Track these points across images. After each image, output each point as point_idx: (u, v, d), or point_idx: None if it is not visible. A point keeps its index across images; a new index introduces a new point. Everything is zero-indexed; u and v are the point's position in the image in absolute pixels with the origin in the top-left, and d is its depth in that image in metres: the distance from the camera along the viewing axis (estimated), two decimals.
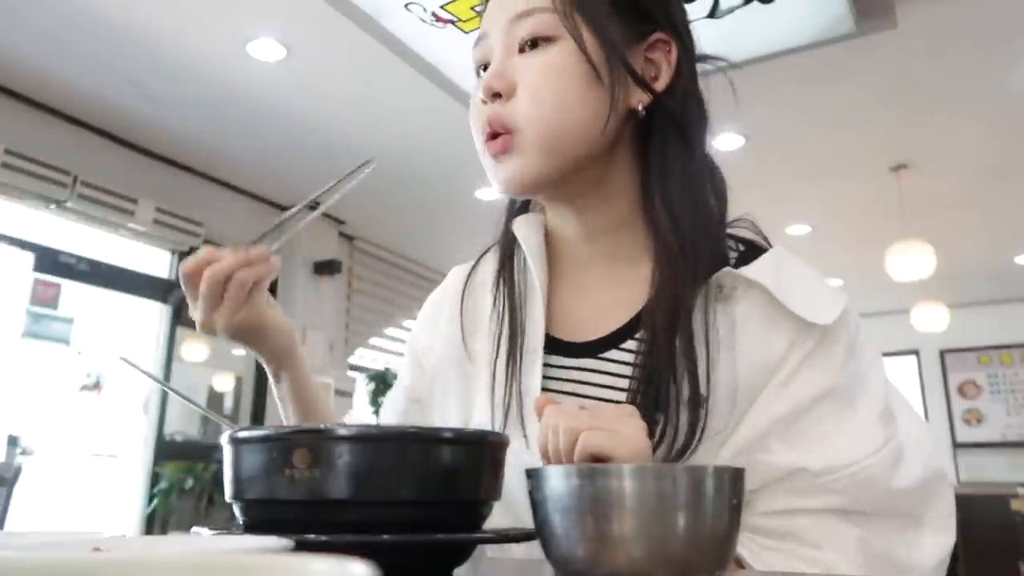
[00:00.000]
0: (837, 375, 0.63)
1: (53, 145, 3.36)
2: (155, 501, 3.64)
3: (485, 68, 0.72)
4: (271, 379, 0.79)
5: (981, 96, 3.29)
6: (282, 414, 0.81)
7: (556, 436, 0.54)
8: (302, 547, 0.38)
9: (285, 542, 0.38)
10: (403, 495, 0.47)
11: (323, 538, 0.44)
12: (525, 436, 0.68)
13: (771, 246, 0.72)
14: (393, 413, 0.86)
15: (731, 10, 2.40)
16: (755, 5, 2.38)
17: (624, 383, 0.67)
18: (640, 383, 0.65)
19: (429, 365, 0.83)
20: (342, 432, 0.47)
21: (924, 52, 2.94)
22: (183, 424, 3.95)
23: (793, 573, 0.59)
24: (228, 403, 4.16)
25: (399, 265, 5.40)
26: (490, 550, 0.70)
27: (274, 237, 0.70)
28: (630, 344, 0.69)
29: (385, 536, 0.44)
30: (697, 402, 0.62)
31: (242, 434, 0.49)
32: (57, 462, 3.50)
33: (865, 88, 3.20)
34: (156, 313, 3.98)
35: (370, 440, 0.47)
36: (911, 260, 4.06)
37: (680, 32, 0.72)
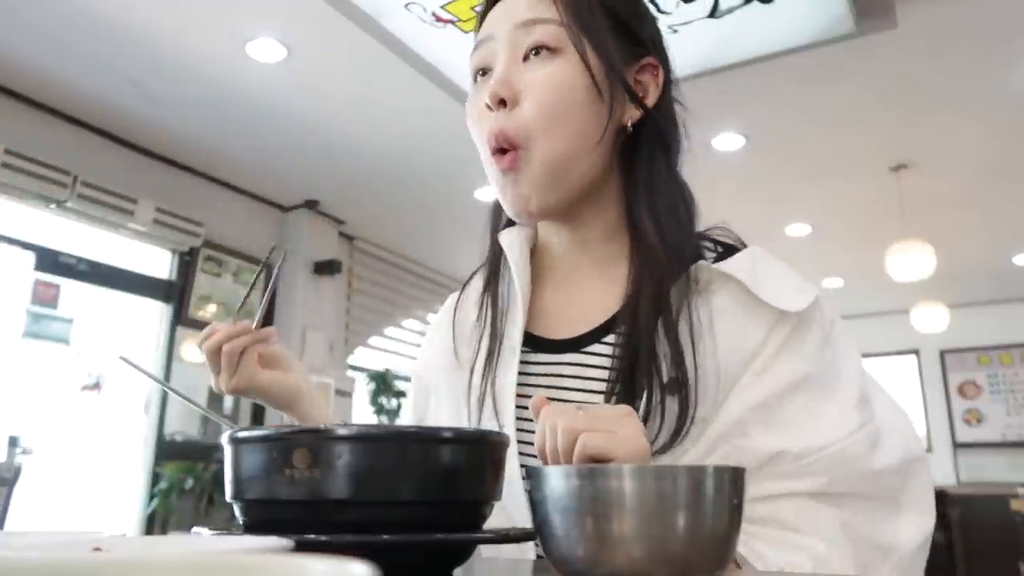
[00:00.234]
0: (812, 362, 0.66)
1: (53, 145, 3.36)
2: (155, 501, 3.64)
3: (482, 72, 0.74)
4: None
5: (981, 96, 3.29)
6: None
7: (555, 436, 0.54)
8: (302, 547, 0.38)
9: (285, 542, 0.38)
10: (403, 495, 0.47)
11: (323, 538, 0.44)
12: None
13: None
14: None
15: (731, 10, 2.40)
16: (755, 5, 2.38)
17: (605, 374, 0.70)
18: (618, 372, 0.68)
19: (428, 378, 0.87)
20: (342, 432, 0.47)
21: (924, 52, 2.94)
22: (183, 424, 3.95)
23: (793, 573, 0.59)
24: (228, 403, 4.16)
25: (399, 265, 5.40)
26: (484, 550, 0.70)
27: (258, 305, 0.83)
28: (611, 338, 0.71)
29: (385, 536, 0.44)
30: (678, 387, 0.65)
31: (242, 434, 0.49)
32: (57, 462, 3.50)
33: (865, 88, 3.20)
34: (156, 313, 3.98)
35: (370, 440, 0.47)
36: (911, 260, 4.06)
37: (664, 58, 0.78)
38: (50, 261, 3.48)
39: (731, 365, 0.66)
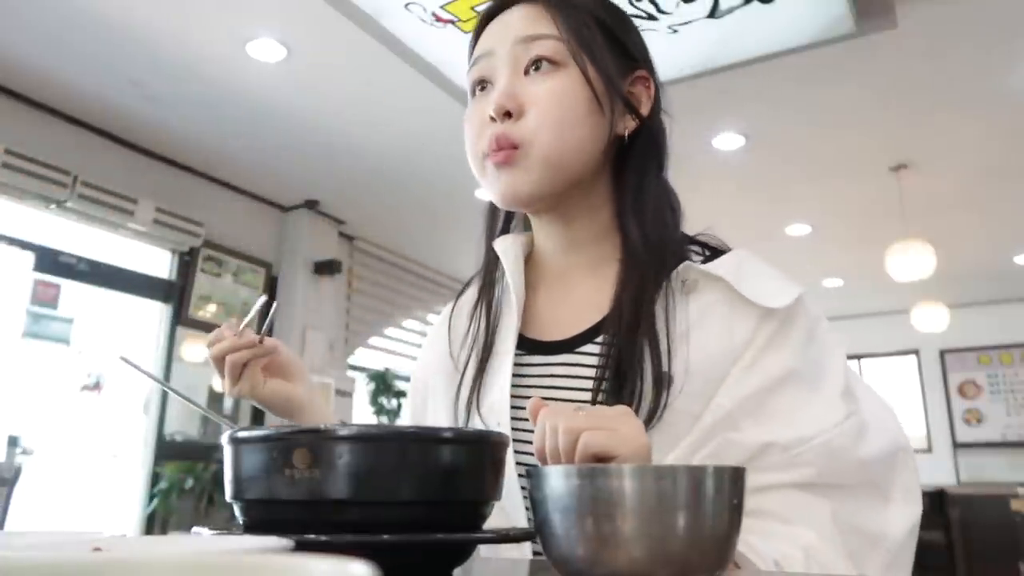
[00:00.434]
0: (798, 357, 0.68)
1: (53, 145, 3.36)
2: (155, 501, 3.64)
3: (481, 87, 0.77)
4: None
5: (981, 96, 3.29)
6: None
7: (555, 436, 0.54)
8: (302, 547, 0.38)
9: (285, 542, 0.38)
10: (403, 495, 0.47)
11: (323, 538, 0.44)
12: None
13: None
14: None
15: (731, 10, 2.40)
16: (755, 5, 2.38)
17: (594, 372, 0.71)
18: (607, 370, 0.70)
19: (426, 380, 0.89)
20: (342, 432, 0.47)
21: (924, 52, 2.94)
22: (183, 424, 3.95)
23: (792, 573, 0.59)
24: (228, 403, 4.16)
25: (399, 265, 5.40)
26: (482, 549, 0.70)
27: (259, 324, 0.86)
28: (602, 338, 0.73)
29: (385, 536, 0.44)
30: (664, 384, 0.67)
31: (242, 434, 0.49)
32: (57, 462, 3.50)
33: (865, 88, 3.20)
34: (156, 313, 3.98)
35: (370, 440, 0.47)
36: (911, 260, 4.06)
37: (651, 69, 0.81)
38: (50, 261, 3.48)
39: (718, 361, 0.68)
